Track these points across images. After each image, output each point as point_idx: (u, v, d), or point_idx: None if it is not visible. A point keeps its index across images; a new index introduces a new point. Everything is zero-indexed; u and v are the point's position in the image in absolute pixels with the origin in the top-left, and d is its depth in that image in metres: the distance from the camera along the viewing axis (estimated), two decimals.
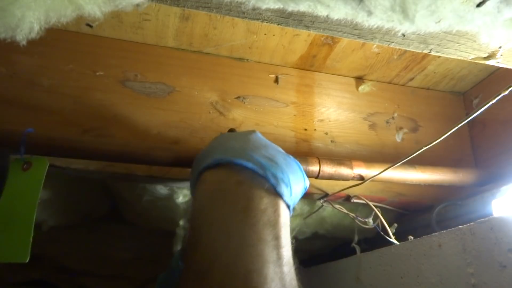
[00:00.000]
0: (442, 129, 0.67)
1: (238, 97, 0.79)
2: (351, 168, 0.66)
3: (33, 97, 0.67)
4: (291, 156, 0.50)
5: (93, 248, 1.22)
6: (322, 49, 0.79)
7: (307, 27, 0.43)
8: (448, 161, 0.84)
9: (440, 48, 0.46)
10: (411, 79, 0.89)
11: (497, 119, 0.81)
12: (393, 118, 0.87)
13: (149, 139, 0.70)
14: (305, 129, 0.80)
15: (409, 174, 0.68)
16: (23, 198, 0.51)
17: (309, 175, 0.64)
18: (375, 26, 0.41)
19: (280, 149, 0.51)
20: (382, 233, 0.69)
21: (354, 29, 0.43)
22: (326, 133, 0.81)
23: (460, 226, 0.53)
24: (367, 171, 0.67)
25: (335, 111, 0.84)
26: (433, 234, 0.58)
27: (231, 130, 0.67)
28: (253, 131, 0.53)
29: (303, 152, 0.77)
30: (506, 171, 0.73)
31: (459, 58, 0.48)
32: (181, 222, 0.83)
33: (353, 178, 0.67)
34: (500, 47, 0.46)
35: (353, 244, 0.79)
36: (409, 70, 0.85)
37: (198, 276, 0.35)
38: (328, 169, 0.64)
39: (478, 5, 0.38)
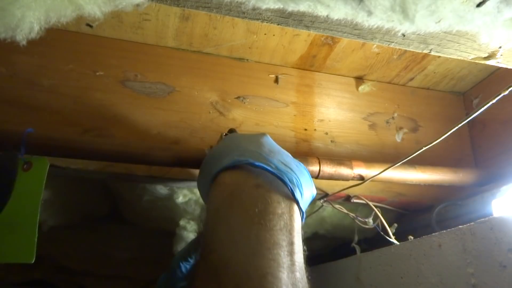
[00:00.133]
0: (442, 129, 0.67)
1: (238, 97, 0.79)
2: (351, 168, 0.66)
3: (33, 97, 0.67)
4: (301, 163, 0.50)
5: (93, 248, 1.22)
6: (322, 49, 0.79)
7: (307, 27, 0.43)
8: (448, 161, 0.84)
9: (440, 48, 0.46)
10: (411, 79, 0.89)
11: (497, 119, 0.81)
12: (393, 118, 0.87)
13: (149, 139, 0.70)
14: (305, 129, 0.80)
15: (409, 174, 0.68)
16: (26, 198, 0.51)
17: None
18: (375, 26, 0.41)
19: (290, 155, 0.51)
20: (382, 233, 0.69)
21: (354, 29, 0.43)
22: (326, 133, 0.81)
23: (460, 226, 0.54)
24: (367, 171, 0.67)
25: (335, 111, 0.84)
26: (433, 234, 0.58)
27: (231, 130, 0.67)
28: (264, 134, 0.53)
29: (303, 152, 0.77)
30: (506, 171, 0.73)
31: (459, 58, 0.48)
32: (181, 222, 0.83)
33: (353, 178, 0.67)
34: (500, 47, 0.46)
35: (353, 244, 0.79)
36: (409, 70, 0.85)
37: (214, 277, 0.35)
38: (328, 169, 0.64)
39: (478, 5, 0.38)
